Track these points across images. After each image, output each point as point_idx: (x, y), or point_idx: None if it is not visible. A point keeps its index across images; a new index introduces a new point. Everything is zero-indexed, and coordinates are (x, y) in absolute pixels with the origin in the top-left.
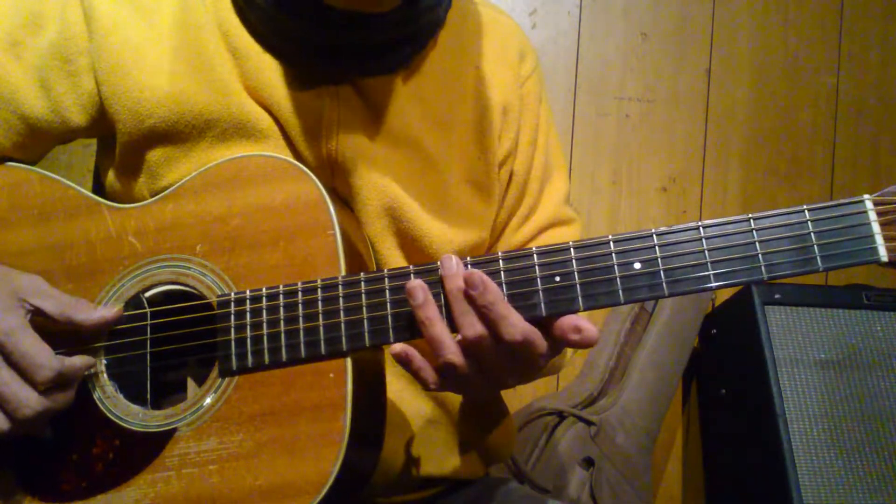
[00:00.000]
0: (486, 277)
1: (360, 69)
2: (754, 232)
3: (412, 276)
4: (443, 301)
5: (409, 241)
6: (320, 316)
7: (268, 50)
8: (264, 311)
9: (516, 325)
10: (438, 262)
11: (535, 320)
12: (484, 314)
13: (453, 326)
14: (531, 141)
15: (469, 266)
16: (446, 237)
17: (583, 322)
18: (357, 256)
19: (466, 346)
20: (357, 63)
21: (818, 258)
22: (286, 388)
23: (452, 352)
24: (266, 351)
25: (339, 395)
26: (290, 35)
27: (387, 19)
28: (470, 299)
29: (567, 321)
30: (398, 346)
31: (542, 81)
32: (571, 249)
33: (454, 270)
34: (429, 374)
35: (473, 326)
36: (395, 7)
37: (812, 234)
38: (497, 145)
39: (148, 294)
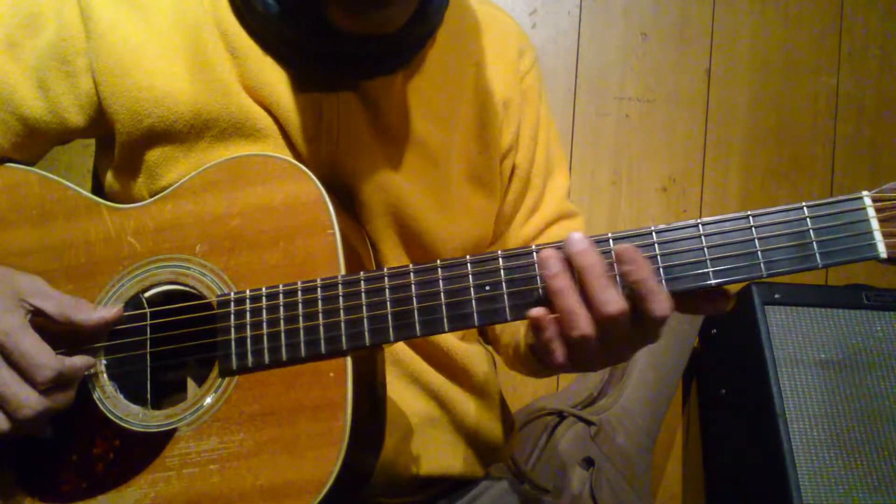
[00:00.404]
0: (639, 252)
1: (361, 73)
2: (753, 229)
3: (412, 273)
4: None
5: (411, 238)
6: (320, 315)
7: (267, 52)
8: (264, 311)
9: (665, 300)
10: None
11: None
12: (634, 289)
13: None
14: (532, 135)
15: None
16: (449, 233)
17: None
18: (356, 256)
19: (603, 321)
20: (357, 67)
21: (817, 255)
22: (286, 387)
23: (587, 323)
24: (266, 350)
25: (339, 394)
26: (289, 42)
27: (392, 36)
28: (622, 275)
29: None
30: (539, 310)
31: (541, 78)
32: None
33: (586, 245)
34: (558, 346)
35: (617, 302)
36: (402, 25)
37: (811, 230)
38: (498, 139)
39: (147, 294)
